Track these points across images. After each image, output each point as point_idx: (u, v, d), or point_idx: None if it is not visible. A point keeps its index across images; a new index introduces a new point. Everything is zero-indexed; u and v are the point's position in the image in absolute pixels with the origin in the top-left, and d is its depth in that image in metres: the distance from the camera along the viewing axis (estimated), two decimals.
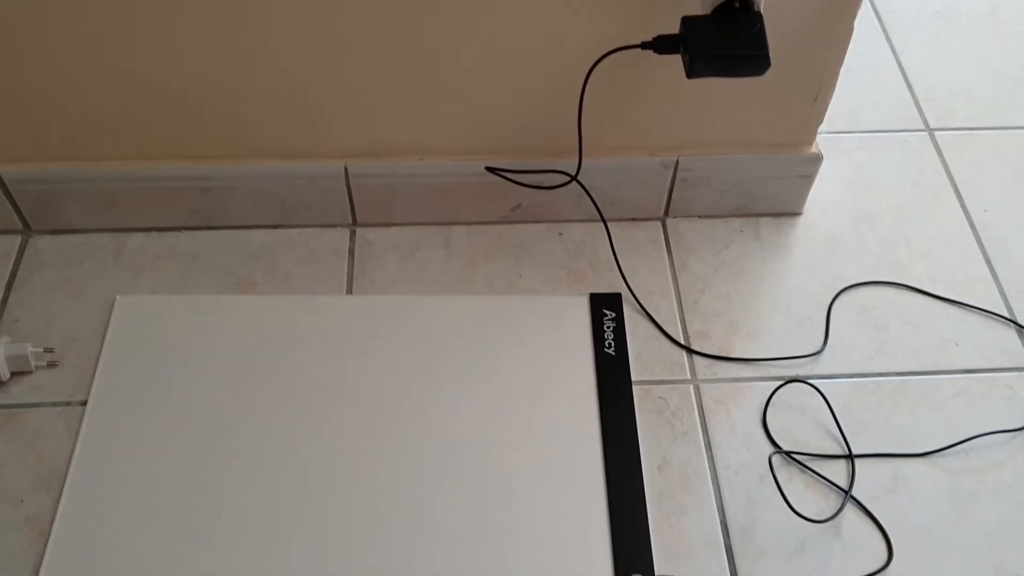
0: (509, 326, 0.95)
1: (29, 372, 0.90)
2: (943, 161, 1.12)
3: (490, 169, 0.95)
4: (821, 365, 0.94)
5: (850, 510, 0.85)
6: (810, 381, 0.92)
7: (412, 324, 0.94)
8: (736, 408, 0.91)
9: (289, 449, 0.86)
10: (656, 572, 0.80)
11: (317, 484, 0.84)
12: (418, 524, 0.82)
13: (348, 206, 1.01)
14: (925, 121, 1.17)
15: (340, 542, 0.81)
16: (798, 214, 1.06)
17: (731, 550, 0.82)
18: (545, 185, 0.97)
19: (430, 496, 0.83)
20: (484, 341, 0.93)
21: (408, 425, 0.87)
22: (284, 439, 0.86)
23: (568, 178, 0.96)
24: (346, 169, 0.97)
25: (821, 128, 0.99)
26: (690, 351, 0.95)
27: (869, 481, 0.86)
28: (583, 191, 0.98)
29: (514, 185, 0.98)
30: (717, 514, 0.84)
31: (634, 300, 0.98)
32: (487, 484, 0.84)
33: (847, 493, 0.85)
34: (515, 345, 0.93)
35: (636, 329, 0.96)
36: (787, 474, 0.86)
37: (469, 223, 1.03)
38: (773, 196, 1.03)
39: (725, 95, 0.93)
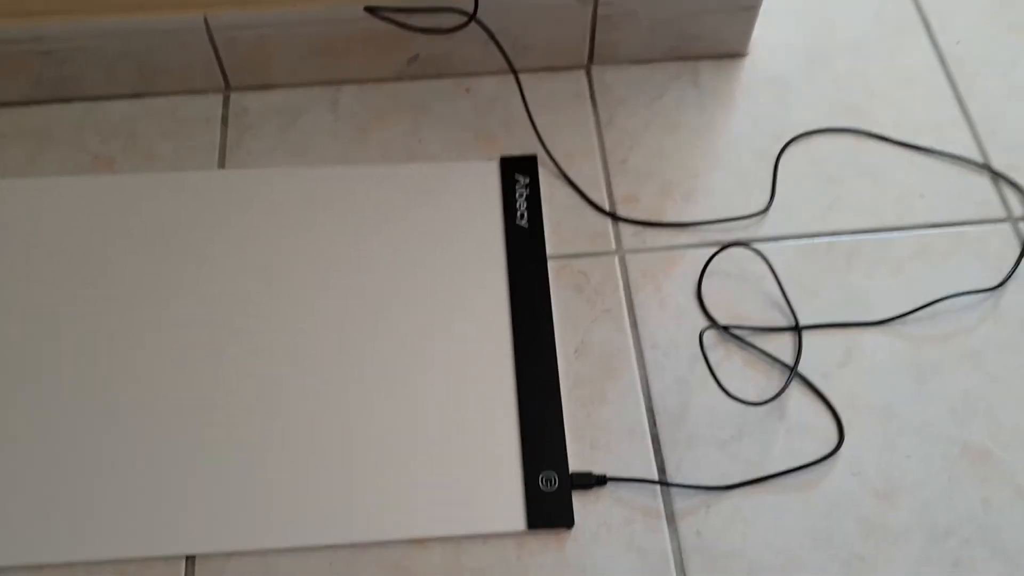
0: (407, 198, 0.82)
1: None
2: None
3: (369, 10, 0.81)
4: (766, 227, 0.82)
5: (796, 389, 0.74)
6: (752, 245, 0.80)
7: (295, 200, 0.82)
8: (667, 280, 0.79)
9: (153, 346, 0.74)
10: (571, 468, 0.70)
11: (192, 375, 0.72)
12: (301, 417, 0.71)
13: (217, 67, 0.87)
14: None
15: (218, 427, 0.70)
16: (742, 55, 0.92)
17: (657, 440, 0.72)
18: (441, 28, 0.83)
19: (314, 386, 0.72)
20: (378, 216, 0.81)
21: (290, 311, 0.76)
22: (147, 334, 0.74)
23: (466, 17, 0.82)
24: (206, 21, 0.82)
25: None
26: (615, 218, 0.82)
27: (818, 355, 0.75)
28: (487, 35, 0.84)
29: (407, 32, 0.84)
30: (642, 401, 0.73)
31: (552, 163, 0.85)
32: (380, 377, 0.73)
33: (792, 370, 0.74)
34: (413, 220, 0.81)
35: (554, 196, 0.83)
36: (723, 352, 0.75)
37: (360, 81, 0.89)
38: (712, 34, 0.89)
39: None
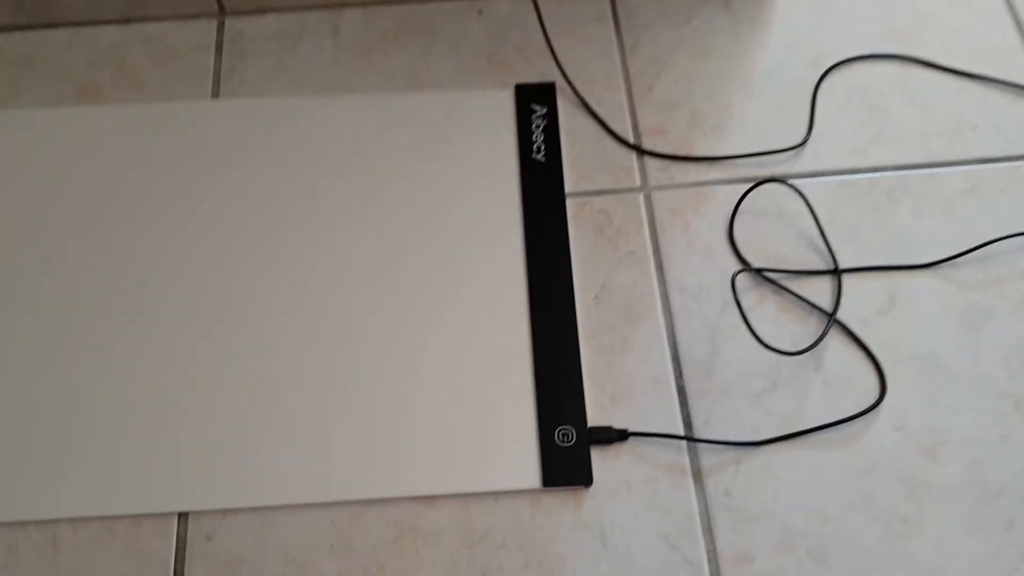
0: (413, 130, 0.76)
1: None
2: None
3: None
4: (803, 161, 0.75)
5: (834, 337, 0.68)
6: (789, 181, 0.74)
7: (293, 131, 0.76)
8: (696, 219, 0.73)
9: (143, 290, 0.69)
10: (590, 422, 0.65)
11: (184, 321, 0.68)
12: (301, 367, 0.66)
13: None
14: None
15: (213, 377, 0.65)
16: None
17: (684, 392, 0.66)
18: None
19: (314, 332, 0.67)
20: (382, 150, 0.75)
21: (289, 251, 0.70)
22: (136, 277, 0.69)
23: None
24: None
25: None
26: (640, 151, 0.76)
27: (858, 301, 0.69)
28: None
29: None
30: (667, 349, 0.68)
31: (571, 91, 0.78)
32: (384, 323, 0.68)
33: (831, 316, 0.68)
34: (420, 154, 0.75)
35: (573, 127, 0.77)
36: (757, 297, 0.70)
37: (363, 3, 0.83)
38: None
39: None
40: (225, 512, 0.62)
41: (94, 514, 0.62)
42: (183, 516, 0.62)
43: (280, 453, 0.63)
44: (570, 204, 0.74)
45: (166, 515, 0.62)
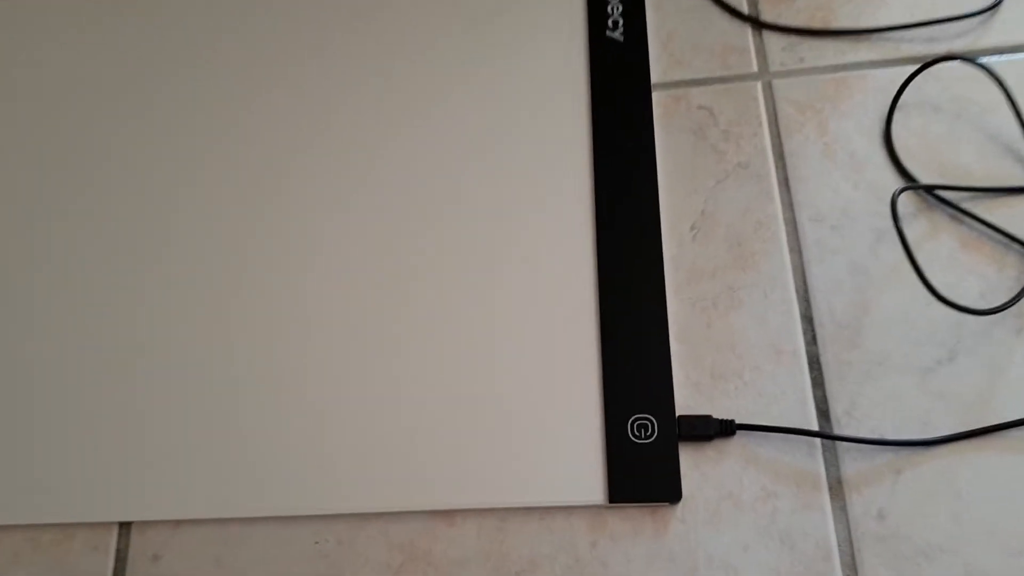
0: (450, 5, 0.56)
1: None
2: None
3: None
4: (995, 32, 0.53)
5: None
6: (976, 60, 0.51)
7: (312, 10, 0.57)
8: (837, 117, 0.52)
9: (113, 239, 0.53)
10: (679, 410, 0.45)
11: (167, 285, 0.51)
12: (284, 334, 0.49)
13: None
14: None
15: (187, 358, 0.49)
16: None
17: (818, 366, 0.46)
18: None
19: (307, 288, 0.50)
20: (412, 28, 0.56)
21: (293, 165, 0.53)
22: (106, 217, 0.53)
23: None
24: None
25: None
26: (758, 24, 0.55)
27: None
28: None
29: None
30: (795, 303, 0.47)
31: None
32: (400, 271, 0.50)
33: None
34: (460, 31, 0.55)
35: None
36: (927, 227, 0.48)
37: None
38: None
39: None
40: (177, 524, 0.46)
41: (14, 522, 0.47)
42: (125, 528, 0.47)
43: (251, 451, 0.47)
44: (658, 99, 0.53)
45: (104, 526, 0.47)
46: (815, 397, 0.45)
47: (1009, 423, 0.44)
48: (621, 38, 0.54)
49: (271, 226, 0.51)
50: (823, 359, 0.46)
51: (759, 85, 0.53)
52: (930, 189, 0.49)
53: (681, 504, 0.44)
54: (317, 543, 0.45)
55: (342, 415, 0.47)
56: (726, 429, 0.44)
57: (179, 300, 0.50)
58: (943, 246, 0.48)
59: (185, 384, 0.48)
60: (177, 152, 0.54)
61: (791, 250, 0.49)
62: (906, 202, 0.49)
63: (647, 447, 0.44)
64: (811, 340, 0.47)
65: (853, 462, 0.44)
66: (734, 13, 0.55)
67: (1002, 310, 0.45)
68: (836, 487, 0.44)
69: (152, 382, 0.48)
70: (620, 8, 0.55)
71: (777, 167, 0.51)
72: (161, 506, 0.46)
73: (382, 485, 0.45)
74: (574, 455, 0.45)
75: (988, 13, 0.53)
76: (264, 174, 0.52)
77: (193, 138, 0.54)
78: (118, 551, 0.46)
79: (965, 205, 0.48)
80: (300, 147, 0.53)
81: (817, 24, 0.54)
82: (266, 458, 0.46)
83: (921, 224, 0.48)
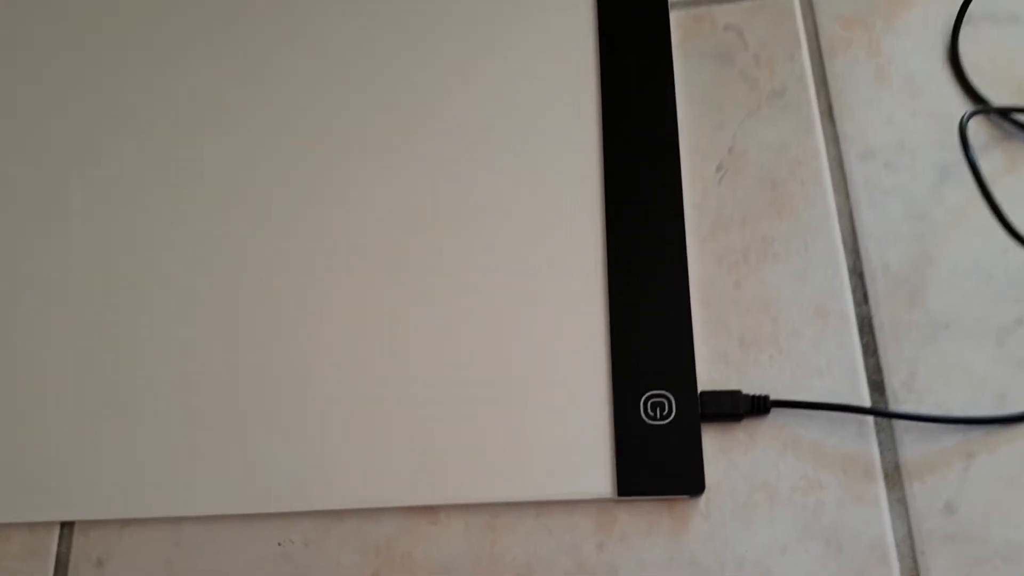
0: None
1: None
2: None
3: None
4: None
5: None
6: None
7: None
8: (892, 33, 0.43)
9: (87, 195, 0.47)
10: (701, 386, 0.38)
11: (133, 271, 0.45)
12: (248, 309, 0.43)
13: None
14: None
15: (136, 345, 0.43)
16: None
17: (871, 328, 0.38)
18: None
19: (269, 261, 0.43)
20: None
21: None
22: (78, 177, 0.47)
23: None
24: None
25: None
26: None
27: None
28: None
29: None
30: (842, 254, 0.40)
31: None
32: (368, 217, 0.43)
33: None
34: None
35: None
36: (1004, 158, 0.40)
37: None
38: None
39: None
40: (125, 524, 0.40)
41: None
42: (67, 528, 0.41)
43: (206, 442, 0.40)
44: (676, 19, 0.45)
45: (43, 526, 0.41)
46: (867, 367, 0.38)
47: None
48: None
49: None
50: (876, 321, 0.38)
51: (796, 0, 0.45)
52: (1006, 112, 0.40)
53: (704, 497, 0.37)
54: (281, 545, 0.39)
55: (308, 401, 0.40)
56: (759, 407, 0.37)
57: (125, 287, 0.44)
58: (1020, 178, 0.39)
59: (133, 371, 0.42)
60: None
61: (836, 192, 0.41)
62: (977, 129, 0.41)
63: (663, 429, 0.37)
64: (862, 299, 0.39)
65: (914, 444, 0.36)
66: None
67: None
68: (894, 475, 0.36)
69: (95, 368, 0.42)
70: None
71: (819, 95, 0.43)
72: (106, 504, 0.40)
73: (355, 479, 0.38)
74: (576, 440, 0.38)
75: None
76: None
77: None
78: (59, 555, 0.40)
79: None
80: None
81: None
82: (224, 450, 0.40)
83: (995, 155, 0.40)
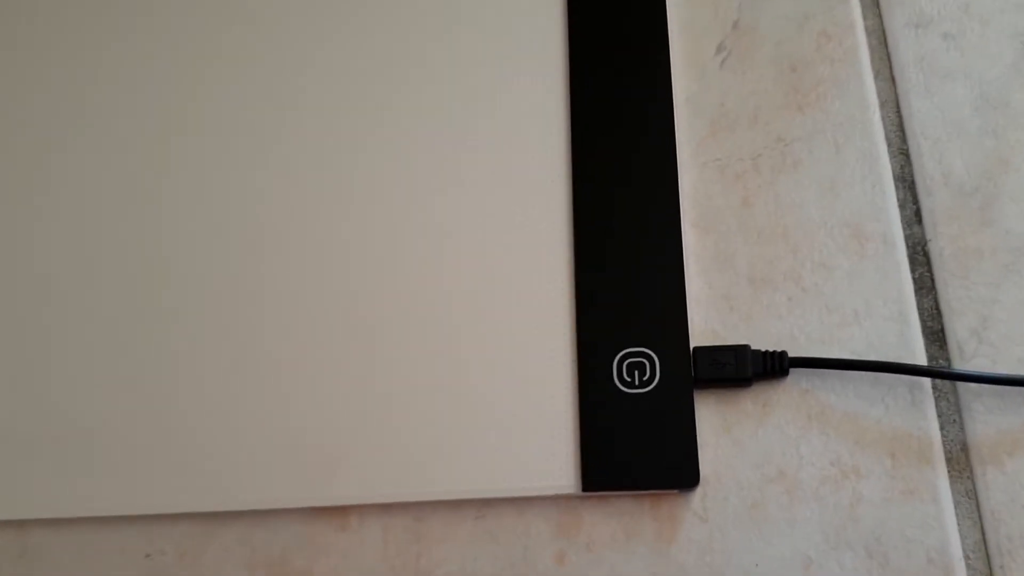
0: None
1: None
2: None
3: None
4: None
5: None
6: None
7: None
8: None
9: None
10: (694, 341, 0.28)
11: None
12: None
13: None
14: None
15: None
16: None
17: (925, 255, 0.28)
18: None
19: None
20: None
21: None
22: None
23: None
24: None
25: None
26: None
27: None
28: None
29: None
30: (887, 159, 0.29)
31: None
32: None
33: None
34: None
35: None
36: None
37: None
38: None
39: None
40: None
41: None
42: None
43: (60, 429, 0.31)
44: None
45: None
46: (921, 310, 0.28)
47: None
48: None
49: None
50: (933, 247, 0.28)
51: None
52: None
53: (700, 492, 0.27)
54: (149, 556, 0.30)
55: (190, 384, 0.31)
56: (773, 367, 0.27)
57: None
58: None
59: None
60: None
61: (878, 76, 0.30)
62: None
63: (644, 399, 0.27)
64: (913, 217, 0.29)
65: (987, 417, 0.27)
66: None
67: None
68: (959, 458, 0.27)
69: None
70: None
71: None
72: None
73: (243, 474, 0.29)
74: (529, 416, 0.28)
75: None
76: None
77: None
78: None
79: None
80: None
81: None
82: (83, 440, 0.31)
83: None
